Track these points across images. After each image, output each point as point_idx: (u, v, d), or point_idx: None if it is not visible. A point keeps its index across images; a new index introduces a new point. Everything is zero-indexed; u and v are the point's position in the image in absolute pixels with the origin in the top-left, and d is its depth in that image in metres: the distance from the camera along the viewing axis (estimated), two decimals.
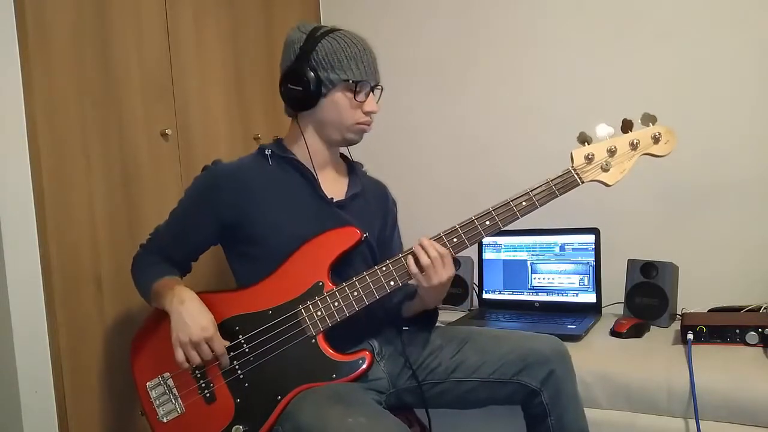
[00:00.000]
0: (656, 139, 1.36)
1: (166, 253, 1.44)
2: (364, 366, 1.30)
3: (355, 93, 1.37)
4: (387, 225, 1.56)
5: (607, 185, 1.37)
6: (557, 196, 1.35)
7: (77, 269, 1.52)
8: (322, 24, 1.38)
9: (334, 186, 1.45)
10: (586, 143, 1.36)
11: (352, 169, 1.53)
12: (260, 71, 2.13)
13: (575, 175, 1.35)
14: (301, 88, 1.35)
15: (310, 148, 1.41)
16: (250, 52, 2.09)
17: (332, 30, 1.38)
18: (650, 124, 1.37)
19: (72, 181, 1.51)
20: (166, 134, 1.74)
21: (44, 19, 1.46)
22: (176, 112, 1.79)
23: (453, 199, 2.33)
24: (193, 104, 1.85)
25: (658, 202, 1.97)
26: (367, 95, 1.39)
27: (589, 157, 1.35)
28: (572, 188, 1.35)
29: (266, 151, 1.42)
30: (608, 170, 1.36)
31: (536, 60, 2.20)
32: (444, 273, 1.29)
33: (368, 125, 1.42)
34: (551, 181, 1.35)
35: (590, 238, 1.96)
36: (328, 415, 1.19)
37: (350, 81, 1.35)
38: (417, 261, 1.29)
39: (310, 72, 1.34)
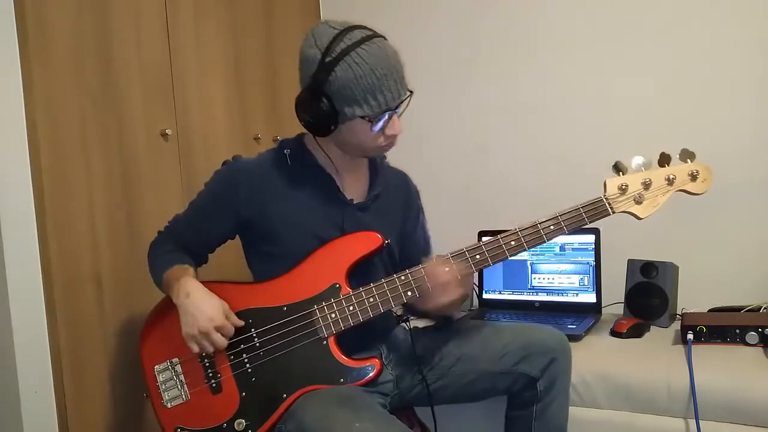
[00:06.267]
0: (693, 177, 1.32)
1: (183, 243, 1.43)
2: (373, 373, 1.29)
3: (373, 123, 1.28)
4: (410, 217, 1.53)
5: (638, 218, 1.32)
6: (586, 224, 1.31)
7: (77, 269, 1.51)
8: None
9: (356, 187, 1.42)
10: (621, 173, 1.32)
11: (374, 165, 1.47)
12: (260, 71, 2.12)
13: (607, 204, 1.31)
14: (313, 121, 1.28)
15: (329, 158, 1.37)
16: (250, 52, 2.09)
17: (350, 48, 1.24)
18: (688, 160, 1.33)
19: (72, 181, 1.51)
20: (166, 134, 1.74)
21: (44, 19, 1.46)
22: (176, 112, 1.79)
23: (452, 200, 2.33)
24: (193, 104, 1.85)
25: None
26: (391, 117, 1.29)
27: (623, 187, 1.31)
28: (602, 217, 1.32)
29: (285, 150, 1.39)
30: (641, 203, 1.32)
31: (536, 61, 2.20)
32: (455, 292, 1.30)
33: (391, 146, 1.35)
34: (581, 207, 1.31)
35: (590, 238, 1.96)
36: (334, 419, 1.17)
37: (365, 118, 1.26)
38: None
39: (323, 104, 1.24)
